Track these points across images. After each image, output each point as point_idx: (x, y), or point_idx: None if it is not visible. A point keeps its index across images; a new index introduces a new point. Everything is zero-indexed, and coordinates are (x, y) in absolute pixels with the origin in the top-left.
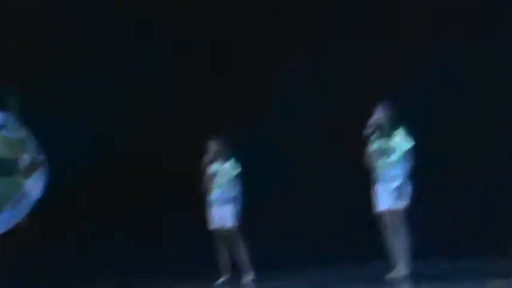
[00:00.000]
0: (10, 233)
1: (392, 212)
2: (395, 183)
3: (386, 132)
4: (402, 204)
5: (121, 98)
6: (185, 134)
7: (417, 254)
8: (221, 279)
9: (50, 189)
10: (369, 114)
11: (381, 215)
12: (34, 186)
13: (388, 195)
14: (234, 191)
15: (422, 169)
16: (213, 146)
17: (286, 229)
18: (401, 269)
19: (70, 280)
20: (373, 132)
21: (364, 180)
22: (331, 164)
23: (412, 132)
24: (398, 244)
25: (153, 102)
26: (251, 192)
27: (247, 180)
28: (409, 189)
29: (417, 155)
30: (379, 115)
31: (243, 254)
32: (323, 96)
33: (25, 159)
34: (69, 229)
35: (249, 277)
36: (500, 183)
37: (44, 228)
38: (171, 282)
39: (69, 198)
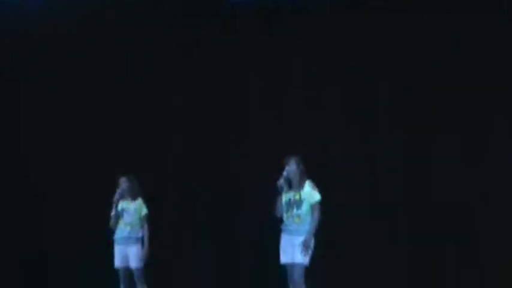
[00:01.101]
0: None
1: (294, 266)
2: (301, 237)
3: (296, 184)
4: (304, 259)
5: None
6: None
7: None
8: None
9: None
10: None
11: (285, 267)
12: None
13: (293, 248)
14: (141, 231)
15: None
16: (123, 183)
17: (189, 275)
18: None
19: None
20: (284, 184)
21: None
22: (240, 210)
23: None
24: None
25: None
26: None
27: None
28: (312, 244)
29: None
30: (293, 166)
31: None
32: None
33: None
34: None
35: None
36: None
37: None
38: None
39: None
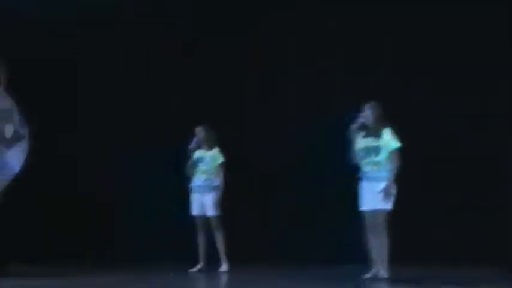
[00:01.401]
0: None
1: (375, 213)
2: (381, 184)
3: (374, 131)
4: (386, 206)
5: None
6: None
7: (394, 258)
8: (197, 266)
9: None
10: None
11: (363, 215)
12: (14, 158)
13: (373, 195)
14: (217, 179)
15: (405, 172)
16: (199, 132)
17: (264, 223)
18: (380, 271)
19: (43, 258)
20: (359, 130)
21: (348, 178)
22: (315, 161)
23: (399, 133)
24: (379, 246)
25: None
26: (233, 183)
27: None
28: (394, 191)
29: (403, 157)
30: (367, 113)
31: (220, 244)
32: (309, 90)
33: (8, 129)
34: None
35: (224, 267)
36: (485, 191)
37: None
38: (150, 265)
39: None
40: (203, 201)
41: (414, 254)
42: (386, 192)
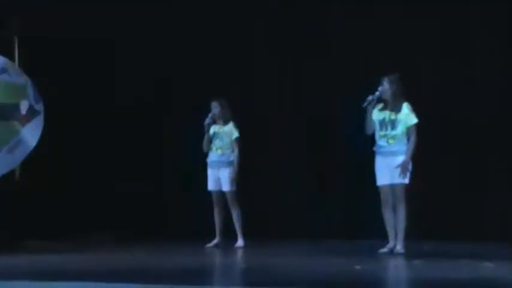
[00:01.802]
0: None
1: (392, 188)
2: (398, 159)
3: (392, 105)
4: (404, 180)
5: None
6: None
7: (410, 233)
8: (213, 242)
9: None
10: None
11: (380, 189)
12: (31, 134)
13: (390, 170)
14: (233, 154)
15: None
16: (214, 107)
17: (281, 198)
18: (396, 245)
19: (60, 231)
20: (375, 102)
21: (363, 151)
22: (328, 135)
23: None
24: (395, 221)
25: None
26: (249, 158)
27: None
28: (411, 166)
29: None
30: (386, 86)
31: (236, 219)
32: (320, 65)
33: (24, 105)
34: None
35: (240, 243)
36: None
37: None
38: (166, 240)
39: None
40: (219, 177)
41: (430, 230)
42: (403, 167)
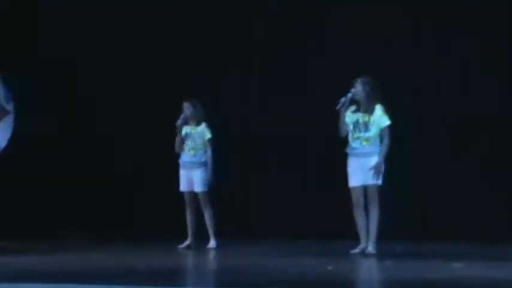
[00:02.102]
0: None
1: (365, 189)
2: (372, 160)
3: (365, 107)
4: (377, 182)
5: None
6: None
7: (382, 235)
8: (185, 243)
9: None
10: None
11: (352, 191)
12: (1, 134)
13: (363, 171)
14: (205, 155)
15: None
16: (186, 108)
17: (254, 199)
18: (368, 246)
19: (28, 231)
20: (348, 104)
21: (336, 153)
22: (305, 136)
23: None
24: (368, 222)
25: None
26: (221, 158)
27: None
28: (380, 166)
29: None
30: (358, 88)
31: (209, 220)
32: (301, 64)
33: None
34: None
35: (212, 244)
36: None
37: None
38: (136, 242)
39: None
40: (191, 177)
41: (402, 231)
42: (377, 169)
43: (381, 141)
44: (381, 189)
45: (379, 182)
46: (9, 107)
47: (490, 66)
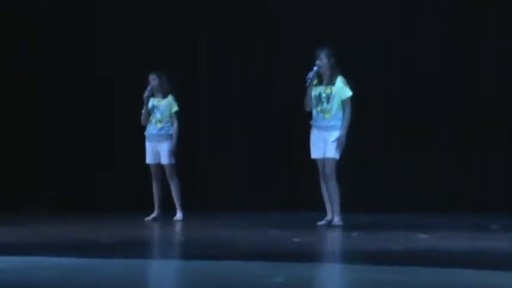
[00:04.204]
0: None
1: (325, 161)
2: (333, 134)
3: (328, 79)
4: (336, 155)
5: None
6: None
7: (346, 207)
8: (152, 215)
9: None
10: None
11: (316, 163)
12: None
13: (323, 144)
14: (172, 128)
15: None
16: (153, 80)
17: (221, 170)
18: (334, 218)
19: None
20: (316, 77)
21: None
22: (270, 106)
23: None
24: (330, 193)
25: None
26: (186, 131)
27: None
28: (343, 140)
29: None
30: (323, 60)
31: (175, 192)
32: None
33: None
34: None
35: (179, 216)
36: (435, 144)
37: None
38: (103, 214)
39: None
40: (158, 150)
41: (369, 202)
42: (339, 143)
43: (343, 114)
44: (348, 161)
45: (337, 156)
46: None
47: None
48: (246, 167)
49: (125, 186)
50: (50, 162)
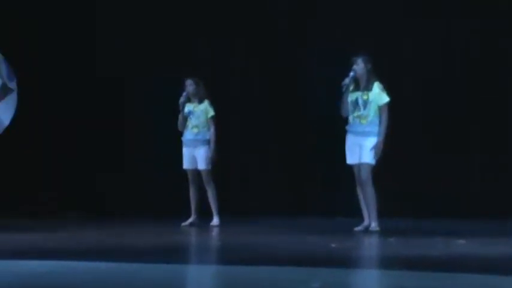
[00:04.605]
0: None
1: (361, 167)
2: (369, 140)
3: (364, 85)
4: (371, 161)
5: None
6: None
7: (383, 213)
8: (188, 220)
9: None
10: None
11: (352, 168)
12: (4, 112)
13: (359, 149)
14: (209, 133)
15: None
16: (189, 85)
17: (258, 176)
18: (371, 223)
19: (36, 207)
20: (352, 83)
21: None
22: (305, 112)
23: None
24: (366, 198)
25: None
26: (225, 136)
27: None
28: (381, 146)
29: (391, 112)
30: (360, 65)
31: (212, 198)
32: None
33: None
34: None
35: (215, 221)
36: (473, 148)
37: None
38: (140, 219)
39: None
40: (195, 155)
41: (407, 207)
42: (377, 149)
43: (380, 120)
44: (384, 165)
45: (373, 161)
46: (13, 84)
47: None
48: (282, 171)
49: (160, 191)
50: (83, 167)
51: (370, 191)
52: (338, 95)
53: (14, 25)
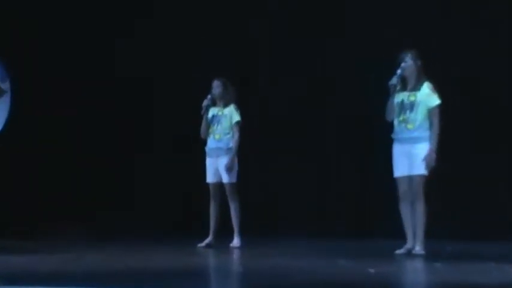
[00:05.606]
0: None
1: (412, 178)
2: (419, 147)
3: (413, 84)
4: (423, 172)
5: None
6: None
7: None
8: (205, 241)
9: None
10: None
11: (397, 182)
12: None
13: (408, 159)
14: (232, 141)
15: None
16: (216, 87)
17: (287, 192)
18: (415, 246)
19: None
20: (400, 82)
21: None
22: (339, 123)
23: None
24: (414, 218)
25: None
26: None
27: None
28: (433, 155)
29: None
30: (409, 62)
31: (235, 214)
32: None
33: None
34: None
35: (236, 242)
36: None
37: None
38: (152, 239)
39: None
40: (218, 166)
41: (454, 229)
42: (429, 158)
43: (430, 124)
44: (431, 181)
45: (426, 172)
46: (5, 85)
47: None
48: (309, 187)
49: (175, 207)
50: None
51: (421, 207)
52: (383, 98)
53: (13, 25)
